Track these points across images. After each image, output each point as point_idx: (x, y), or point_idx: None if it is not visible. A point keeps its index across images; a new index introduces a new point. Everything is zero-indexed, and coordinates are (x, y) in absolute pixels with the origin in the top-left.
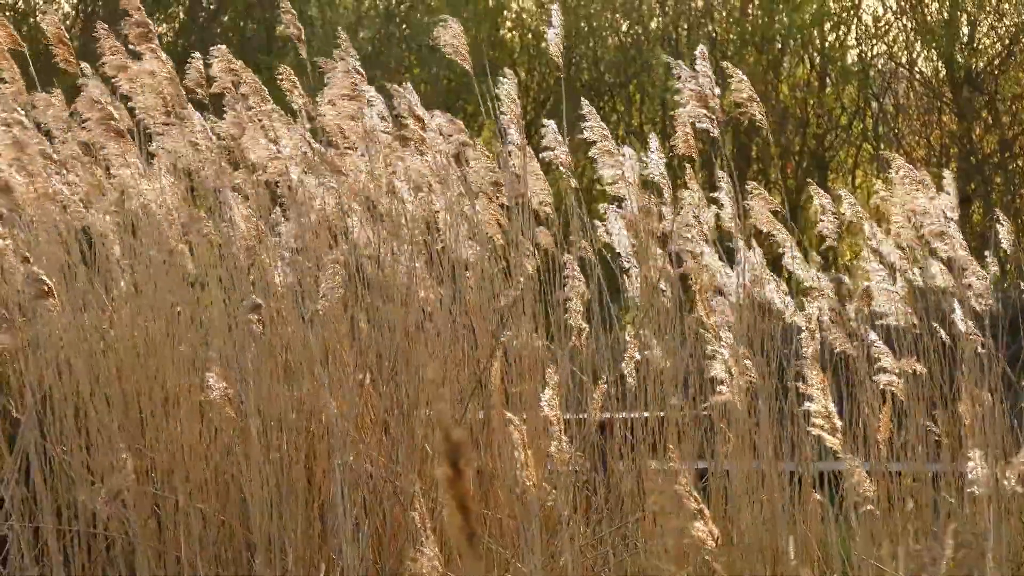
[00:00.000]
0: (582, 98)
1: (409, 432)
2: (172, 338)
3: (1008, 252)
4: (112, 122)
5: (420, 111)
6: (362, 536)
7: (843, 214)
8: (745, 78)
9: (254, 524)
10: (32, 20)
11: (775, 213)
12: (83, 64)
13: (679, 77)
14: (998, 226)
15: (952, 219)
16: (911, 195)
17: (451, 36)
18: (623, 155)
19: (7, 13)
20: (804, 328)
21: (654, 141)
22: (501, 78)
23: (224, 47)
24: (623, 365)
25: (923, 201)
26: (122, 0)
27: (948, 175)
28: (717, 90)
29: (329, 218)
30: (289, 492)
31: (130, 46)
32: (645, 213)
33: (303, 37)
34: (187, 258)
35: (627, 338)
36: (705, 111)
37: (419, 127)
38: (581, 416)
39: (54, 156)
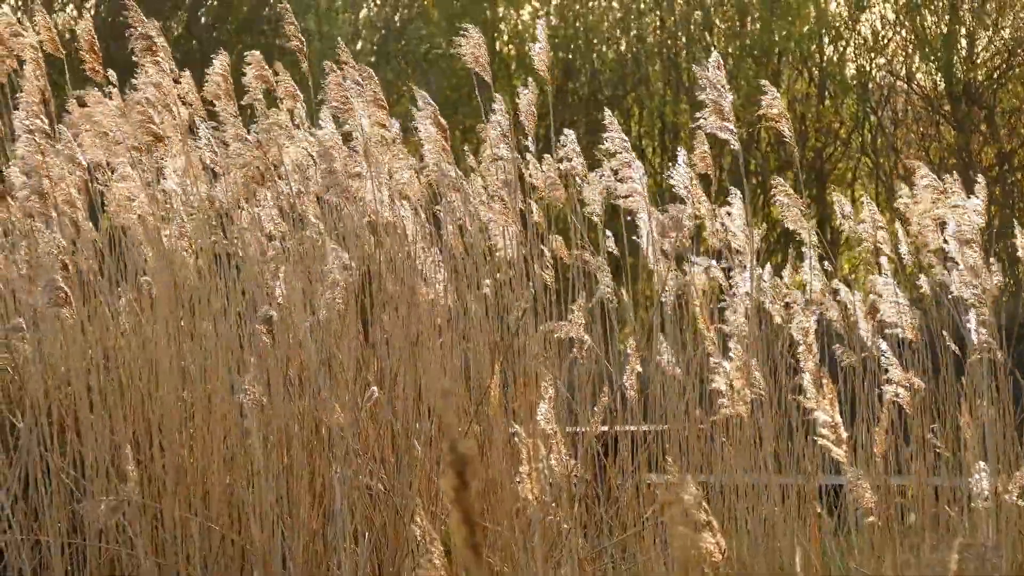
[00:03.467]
0: (605, 108)
1: (408, 445)
2: (176, 349)
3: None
4: (152, 125)
5: (441, 120)
6: (362, 549)
7: (863, 221)
8: (778, 94)
9: (254, 537)
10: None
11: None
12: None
13: (704, 87)
14: (1017, 238)
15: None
16: (938, 204)
17: (472, 46)
18: (635, 169)
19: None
20: (801, 341)
21: (682, 155)
22: (522, 88)
23: (257, 52)
24: (624, 378)
25: (944, 210)
26: (129, 14)
27: (981, 179)
28: (731, 97)
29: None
30: (291, 504)
31: (135, 58)
32: (675, 224)
33: (305, 50)
34: (189, 268)
35: (628, 351)
36: (725, 122)
37: (441, 135)
38: (582, 429)
39: (83, 161)
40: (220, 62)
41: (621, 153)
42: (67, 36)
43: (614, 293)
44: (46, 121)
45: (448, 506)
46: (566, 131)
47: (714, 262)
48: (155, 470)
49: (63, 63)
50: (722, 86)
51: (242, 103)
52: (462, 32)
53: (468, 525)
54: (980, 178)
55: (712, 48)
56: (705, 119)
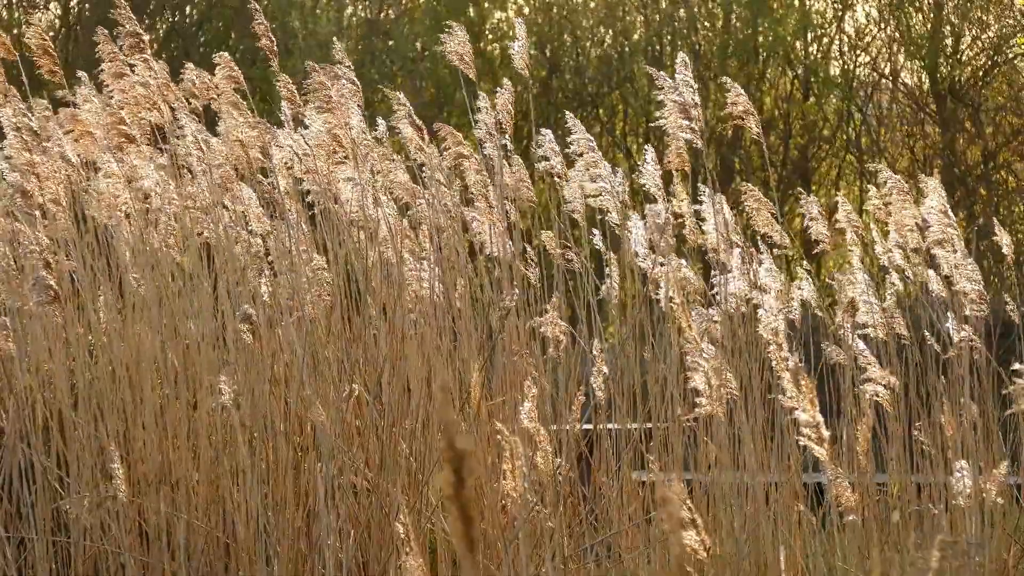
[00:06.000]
0: (566, 111)
1: (393, 443)
2: (160, 347)
3: (1007, 260)
4: (123, 126)
5: (417, 121)
6: (347, 547)
7: (837, 220)
8: (742, 91)
9: (238, 535)
10: (15, 30)
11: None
12: (80, 73)
13: (662, 88)
14: (997, 236)
15: (947, 223)
16: (904, 205)
17: (456, 44)
18: (603, 168)
19: None
20: (770, 340)
21: (650, 152)
22: (500, 88)
23: (226, 54)
24: (592, 379)
25: (911, 212)
26: (116, 11)
27: (933, 181)
28: (697, 99)
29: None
30: (276, 502)
31: (122, 57)
32: (658, 227)
33: (275, 49)
34: (174, 266)
35: (594, 352)
36: (688, 122)
37: (418, 135)
38: (565, 427)
39: (73, 160)
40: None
41: (588, 153)
42: (44, 37)
43: (608, 290)
44: (33, 119)
45: (435, 503)
46: (542, 131)
47: (684, 261)
48: (140, 468)
49: (42, 65)
50: (688, 86)
51: (211, 104)
52: (447, 30)
53: (465, 522)
54: (934, 181)
55: (697, 46)
56: (665, 118)
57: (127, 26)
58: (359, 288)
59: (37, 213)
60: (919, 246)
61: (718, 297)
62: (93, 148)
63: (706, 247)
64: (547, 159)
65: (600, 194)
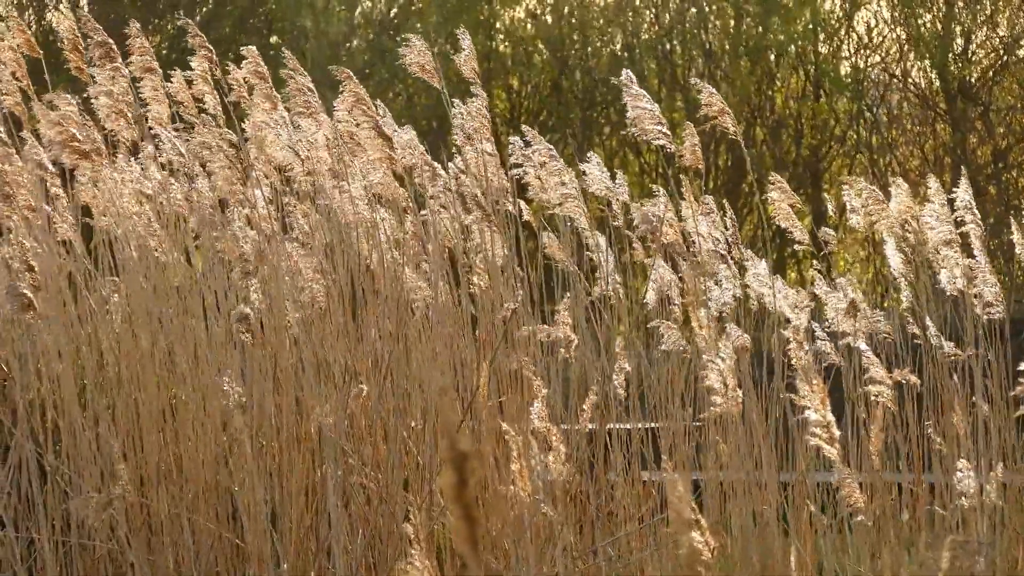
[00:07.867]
0: (522, 126)
1: (401, 443)
2: (165, 349)
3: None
4: (76, 143)
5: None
6: (356, 547)
7: (865, 204)
8: (715, 92)
9: (247, 534)
10: (34, 26)
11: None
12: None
13: (627, 100)
14: (1012, 235)
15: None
16: (883, 213)
17: (416, 55)
18: (585, 169)
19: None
20: (791, 339)
21: (594, 157)
22: (465, 99)
23: (253, 48)
24: (614, 377)
25: (887, 216)
26: (84, 25)
27: (934, 182)
28: (656, 108)
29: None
30: (284, 502)
31: (95, 67)
32: (647, 225)
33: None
34: (177, 267)
35: (616, 349)
36: (660, 128)
37: (387, 146)
38: (575, 427)
39: (50, 167)
40: (198, 63)
41: (549, 162)
42: (51, 36)
43: (614, 290)
44: (3, 129)
45: (444, 503)
46: (512, 139)
47: (661, 263)
48: (148, 468)
49: (53, 62)
50: (645, 96)
51: (229, 100)
52: (404, 43)
53: (468, 522)
54: (933, 182)
55: (708, 45)
56: (635, 127)
57: (95, 36)
58: (363, 289)
59: (15, 218)
60: (927, 242)
61: (710, 301)
62: (74, 154)
63: (679, 250)
64: (519, 165)
65: (562, 202)
